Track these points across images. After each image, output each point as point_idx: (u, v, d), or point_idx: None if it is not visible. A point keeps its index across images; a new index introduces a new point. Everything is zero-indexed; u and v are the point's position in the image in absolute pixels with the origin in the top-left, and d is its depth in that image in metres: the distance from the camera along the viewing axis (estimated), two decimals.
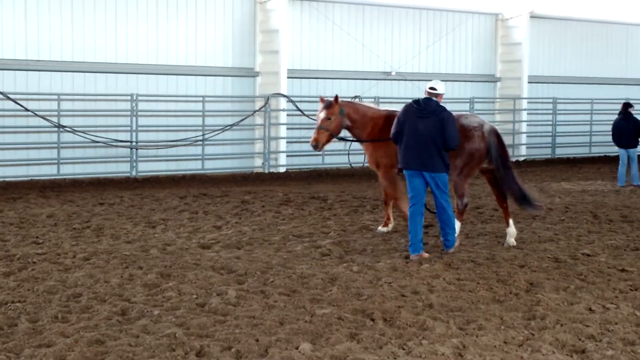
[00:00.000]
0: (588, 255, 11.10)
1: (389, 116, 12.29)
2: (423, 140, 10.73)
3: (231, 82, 22.18)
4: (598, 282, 9.51)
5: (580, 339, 7.36)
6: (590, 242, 12.14)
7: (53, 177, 19.15)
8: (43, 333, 7.37)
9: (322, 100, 12.64)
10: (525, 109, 26.81)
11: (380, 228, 12.93)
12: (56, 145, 19.32)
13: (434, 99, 11.03)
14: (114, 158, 20.23)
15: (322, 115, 12.49)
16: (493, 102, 27.05)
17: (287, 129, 22.43)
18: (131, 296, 8.71)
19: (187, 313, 8.05)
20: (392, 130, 11.13)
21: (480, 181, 20.52)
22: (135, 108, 20.12)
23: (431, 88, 11.09)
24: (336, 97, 12.57)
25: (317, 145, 12.54)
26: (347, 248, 11.44)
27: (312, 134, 12.74)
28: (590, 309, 8.35)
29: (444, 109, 10.96)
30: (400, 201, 12.27)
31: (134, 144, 20.14)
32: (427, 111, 10.82)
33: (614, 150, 23.27)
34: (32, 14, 19.02)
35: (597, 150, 28.34)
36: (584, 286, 9.31)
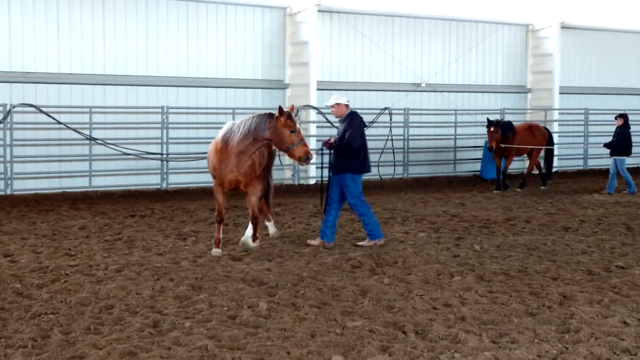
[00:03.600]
0: (622, 267, 10.98)
1: None
2: (366, 146, 12.64)
3: (261, 94, 22.24)
4: (632, 295, 9.40)
5: (615, 353, 7.27)
6: (624, 254, 12.01)
7: (85, 189, 19.31)
8: (76, 345, 7.40)
9: (284, 110, 11.64)
10: (556, 120, 26.60)
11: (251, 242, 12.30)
12: (88, 157, 19.49)
13: None
14: (145, 170, 20.36)
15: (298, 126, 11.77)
16: (524, 113, 26.88)
17: (317, 140, 22.43)
18: (163, 308, 8.74)
19: (218, 325, 8.06)
20: (359, 139, 12.35)
21: (511, 193, 20.40)
22: (165, 120, 20.25)
23: (348, 101, 12.66)
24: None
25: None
26: (378, 260, 11.40)
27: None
28: (624, 322, 8.25)
29: None
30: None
31: (164, 156, 20.26)
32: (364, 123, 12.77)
33: None
34: (64, 28, 19.24)
35: (630, 162, 27.95)
36: (618, 299, 9.20)
